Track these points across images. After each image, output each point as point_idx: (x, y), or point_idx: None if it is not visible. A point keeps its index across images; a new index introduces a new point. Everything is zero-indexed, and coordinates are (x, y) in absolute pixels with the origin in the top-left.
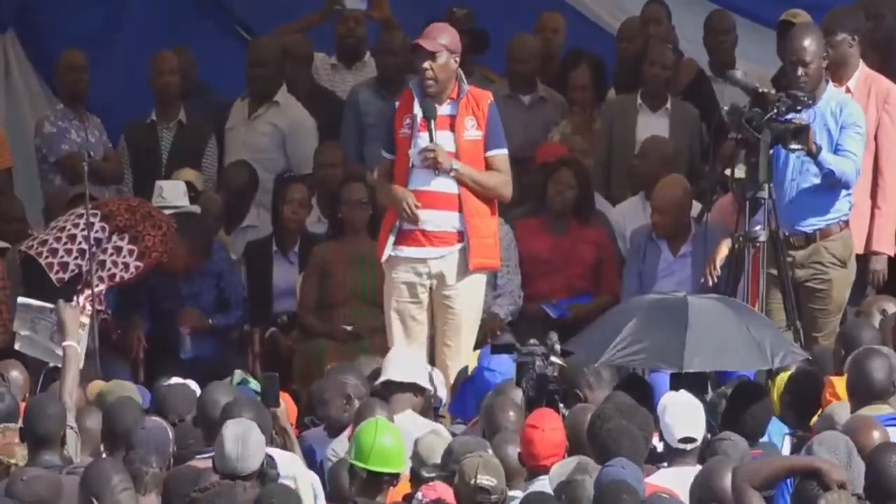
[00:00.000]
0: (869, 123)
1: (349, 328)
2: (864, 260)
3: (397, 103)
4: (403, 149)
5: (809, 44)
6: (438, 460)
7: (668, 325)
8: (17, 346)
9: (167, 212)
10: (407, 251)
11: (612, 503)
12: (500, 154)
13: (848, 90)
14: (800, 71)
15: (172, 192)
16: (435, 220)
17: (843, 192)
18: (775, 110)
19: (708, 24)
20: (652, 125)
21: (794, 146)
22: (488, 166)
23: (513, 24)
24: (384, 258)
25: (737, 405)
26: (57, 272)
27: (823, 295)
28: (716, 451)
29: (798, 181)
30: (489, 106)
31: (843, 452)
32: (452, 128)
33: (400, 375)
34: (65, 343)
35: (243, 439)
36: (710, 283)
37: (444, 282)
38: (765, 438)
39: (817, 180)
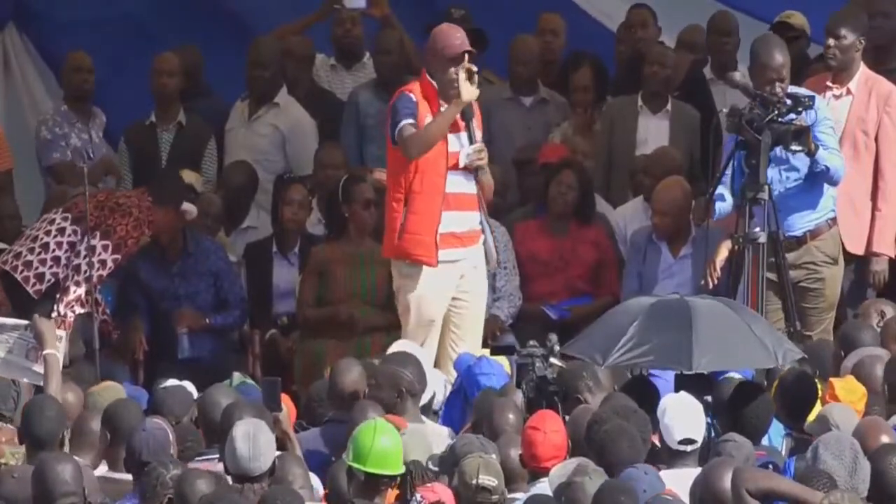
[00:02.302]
0: (869, 125)
1: (355, 314)
2: (864, 261)
3: (412, 95)
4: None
5: (784, 59)
6: (417, 457)
7: (674, 326)
8: None
9: None
10: (443, 255)
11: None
12: None
13: (849, 91)
14: (777, 87)
15: None
16: (465, 220)
17: (827, 188)
18: (776, 112)
19: (710, 26)
20: (652, 126)
21: (795, 147)
22: None
23: (513, 26)
24: (438, 265)
25: (737, 406)
26: (34, 284)
27: (817, 294)
28: (720, 452)
29: (778, 188)
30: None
31: (849, 456)
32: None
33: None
34: (45, 352)
35: (254, 438)
36: (711, 286)
37: (468, 279)
38: (765, 440)
39: (799, 182)
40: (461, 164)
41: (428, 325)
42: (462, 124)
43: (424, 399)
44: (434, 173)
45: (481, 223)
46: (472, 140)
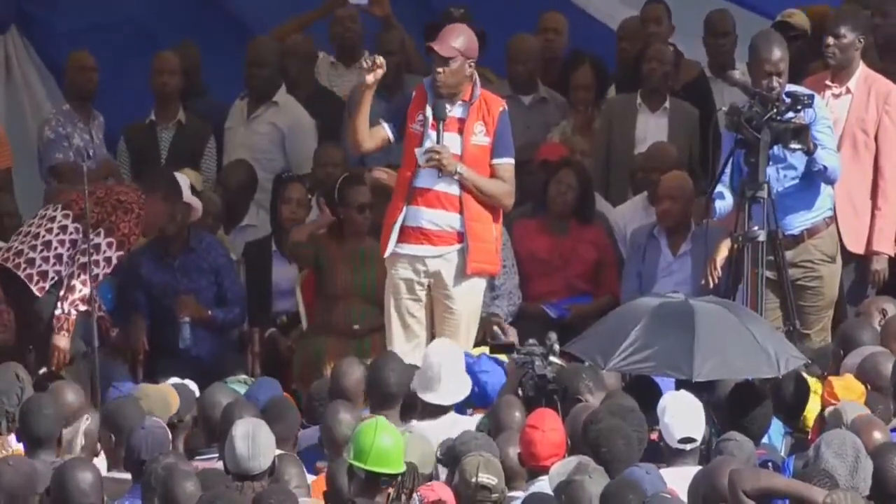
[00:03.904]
0: (869, 124)
1: (356, 327)
2: (865, 260)
3: (413, 93)
4: (412, 144)
5: (783, 54)
6: (415, 461)
7: (676, 332)
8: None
9: None
10: (407, 248)
11: (619, 501)
12: (506, 163)
13: (848, 90)
14: (775, 82)
15: None
16: (436, 219)
17: (824, 187)
18: (775, 110)
19: (707, 26)
20: (651, 125)
21: (794, 146)
22: (493, 174)
23: (513, 25)
24: (387, 254)
25: (737, 407)
26: (37, 282)
27: (815, 292)
28: (721, 451)
29: (776, 186)
30: (500, 114)
31: (851, 455)
32: (461, 131)
33: (453, 398)
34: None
35: (253, 437)
36: (711, 285)
37: (442, 281)
38: (765, 438)
39: (796, 181)
40: (420, 164)
41: (391, 317)
42: (434, 124)
43: (456, 398)
44: (405, 168)
45: (462, 227)
46: (439, 140)
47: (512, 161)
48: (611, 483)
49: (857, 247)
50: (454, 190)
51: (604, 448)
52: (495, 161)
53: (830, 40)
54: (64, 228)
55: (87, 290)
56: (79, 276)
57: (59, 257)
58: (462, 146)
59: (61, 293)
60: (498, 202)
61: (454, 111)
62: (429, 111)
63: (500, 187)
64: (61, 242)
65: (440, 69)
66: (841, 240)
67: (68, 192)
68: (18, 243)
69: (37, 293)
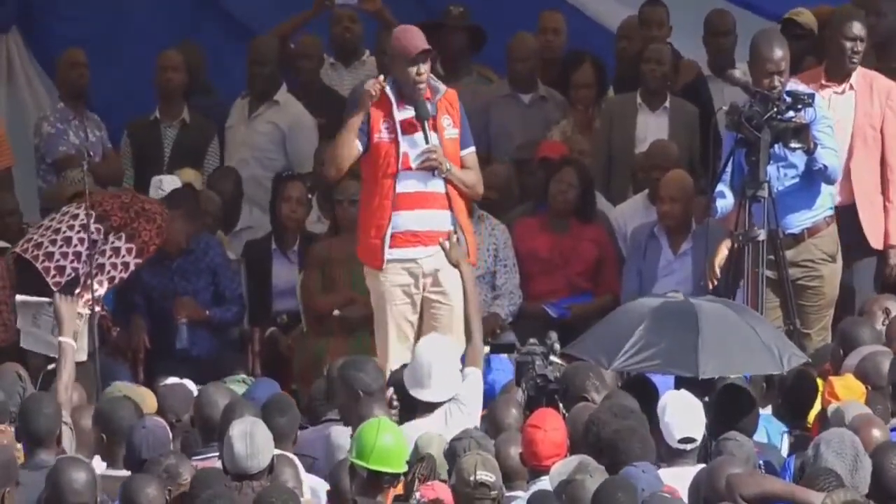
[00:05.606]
0: (874, 119)
1: (336, 312)
2: (882, 255)
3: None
4: (380, 152)
5: (784, 53)
6: (434, 454)
7: (680, 330)
8: (22, 344)
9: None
10: (399, 253)
11: (609, 500)
12: (471, 152)
13: (851, 87)
14: (776, 81)
15: (172, 187)
16: (426, 219)
17: (825, 187)
18: (775, 109)
19: (708, 25)
20: (651, 124)
21: (794, 144)
22: (462, 164)
23: (512, 23)
24: (384, 264)
25: (725, 408)
26: (53, 276)
27: (816, 291)
28: (721, 450)
29: (777, 185)
30: (458, 103)
31: (850, 454)
32: (434, 128)
33: (445, 394)
34: (60, 339)
35: (251, 436)
36: (711, 287)
37: (438, 279)
38: (764, 438)
39: (797, 180)
40: (413, 166)
41: (387, 324)
42: (417, 125)
43: (447, 395)
44: (382, 176)
45: (453, 223)
46: (427, 141)
47: (474, 148)
48: (604, 482)
49: (876, 242)
50: (440, 188)
51: (620, 449)
52: (463, 152)
53: (859, 45)
54: (85, 227)
55: (101, 291)
56: (95, 275)
57: (77, 255)
58: (439, 142)
59: (77, 291)
60: (475, 192)
61: None
62: (400, 115)
63: (474, 176)
64: (81, 241)
65: (424, 68)
66: (864, 236)
67: (63, 190)
68: (38, 236)
69: (52, 286)
